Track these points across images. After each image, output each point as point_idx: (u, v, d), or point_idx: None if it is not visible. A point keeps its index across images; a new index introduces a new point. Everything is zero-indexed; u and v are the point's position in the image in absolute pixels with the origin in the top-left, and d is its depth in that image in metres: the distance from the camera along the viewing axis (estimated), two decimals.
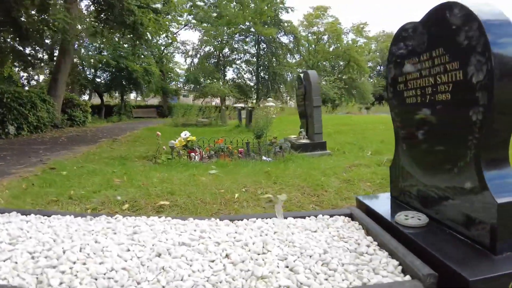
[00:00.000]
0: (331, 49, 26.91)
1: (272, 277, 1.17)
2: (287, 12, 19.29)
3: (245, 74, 21.50)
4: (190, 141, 3.79)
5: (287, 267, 1.26)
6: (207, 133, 6.08)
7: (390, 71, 1.78)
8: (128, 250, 1.35)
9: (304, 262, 1.29)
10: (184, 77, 19.68)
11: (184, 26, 17.84)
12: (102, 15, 9.34)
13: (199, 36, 18.97)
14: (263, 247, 1.39)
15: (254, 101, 21.61)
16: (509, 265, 1.09)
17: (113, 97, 21.99)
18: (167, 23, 13.61)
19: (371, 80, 33.37)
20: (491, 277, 1.04)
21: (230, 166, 3.36)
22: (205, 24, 17.90)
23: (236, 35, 19.37)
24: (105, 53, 16.54)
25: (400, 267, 1.25)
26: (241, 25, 18.51)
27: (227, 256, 1.32)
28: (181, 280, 1.14)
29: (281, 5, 19.01)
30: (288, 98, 22.09)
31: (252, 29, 18.61)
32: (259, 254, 1.35)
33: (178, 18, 16.96)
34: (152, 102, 23.51)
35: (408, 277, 1.18)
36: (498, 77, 1.08)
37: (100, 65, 16.81)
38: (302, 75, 4.41)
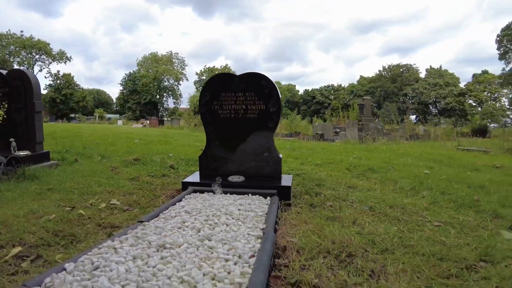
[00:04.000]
0: None
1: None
2: None
3: None
4: None
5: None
6: None
7: (206, 96, 3.01)
8: None
9: (243, 210, 2.33)
10: None
11: None
12: None
13: None
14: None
15: None
16: (284, 180, 2.95)
17: None
18: None
19: None
20: (289, 185, 2.84)
21: None
22: None
23: None
24: None
25: (261, 197, 2.70)
26: None
27: None
28: None
29: None
30: None
31: None
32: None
33: None
34: None
35: (269, 198, 2.67)
36: (280, 109, 2.91)
37: None
38: (5, 72, 3.45)
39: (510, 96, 39.01)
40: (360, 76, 59.92)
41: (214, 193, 2.60)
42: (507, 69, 34.61)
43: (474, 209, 2.65)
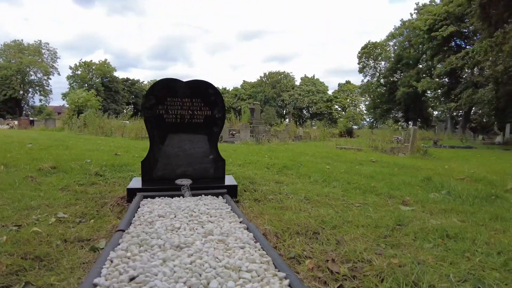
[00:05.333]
0: None
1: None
2: None
3: None
4: None
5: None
6: None
7: (150, 100, 3.05)
8: None
9: (212, 209, 2.55)
10: None
11: None
12: None
13: None
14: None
15: None
16: (228, 180, 3.26)
17: None
18: None
19: None
20: (236, 184, 3.17)
21: None
22: None
23: None
24: None
25: (214, 196, 2.94)
26: None
27: None
28: None
29: None
30: None
31: None
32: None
33: None
34: None
35: (221, 197, 2.94)
36: (225, 115, 3.21)
37: None
38: None
39: (366, 103, 48.43)
40: (243, 81, 63.83)
41: (183, 196, 2.72)
42: (365, 80, 42.87)
43: (374, 193, 3.53)
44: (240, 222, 2.14)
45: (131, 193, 2.87)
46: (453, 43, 26.79)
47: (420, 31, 28.99)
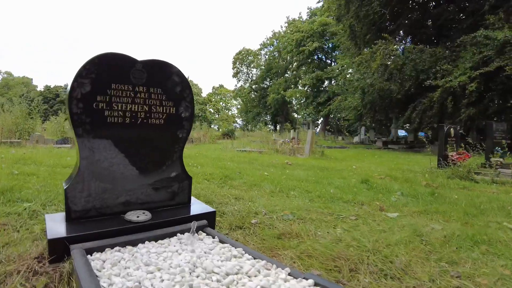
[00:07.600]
0: None
1: None
2: None
3: None
4: None
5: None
6: None
7: (83, 86, 1.94)
8: None
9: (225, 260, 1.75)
10: None
11: None
12: None
13: None
14: None
15: None
16: (198, 205, 2.45)
17: None
18: None
19: None
20: (214, 211, 2.39)
21: None
22: None
23: None
24: None
25: (196, 235, 2.11)
26: None
27: None
28: None
29: None
30: None
31: None
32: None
33: None
34: None
35: (202, 233, 2.14)
36: (193, 114, 2.38)
37: None
38: None
39: (238, 106, 50.84)
40: None
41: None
42: (238, 85, 44.88)
43: (341, 200, 3.33)
44: (289, 274, 1.47)
45: (58, 246, 1.70)
46: (315, 57, 31.13)
47: (289, 45, 32.36)
